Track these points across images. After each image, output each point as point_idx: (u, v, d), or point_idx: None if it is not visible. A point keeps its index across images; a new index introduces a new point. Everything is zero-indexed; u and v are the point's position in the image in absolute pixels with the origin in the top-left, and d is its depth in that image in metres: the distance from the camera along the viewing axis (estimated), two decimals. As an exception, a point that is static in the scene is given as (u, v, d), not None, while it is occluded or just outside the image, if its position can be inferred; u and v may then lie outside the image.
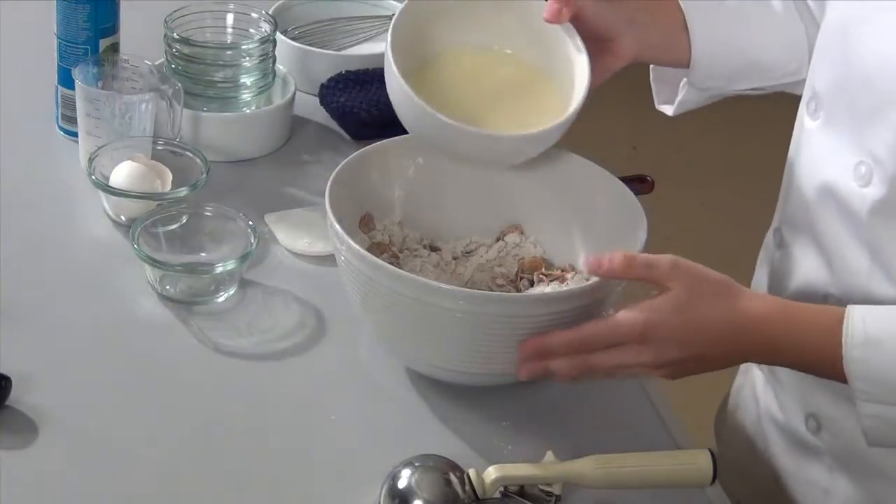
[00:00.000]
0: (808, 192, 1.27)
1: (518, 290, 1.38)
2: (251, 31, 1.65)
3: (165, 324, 1.39)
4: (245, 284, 1.44)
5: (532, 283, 1.38)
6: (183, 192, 1.48)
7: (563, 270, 1.39)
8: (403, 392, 1.33)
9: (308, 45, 1.77)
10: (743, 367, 1.46)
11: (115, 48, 1.61)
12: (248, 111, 1.64)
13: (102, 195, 1.50)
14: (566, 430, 1.30)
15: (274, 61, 1.66)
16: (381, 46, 1.71)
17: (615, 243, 1.29)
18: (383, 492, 1.19)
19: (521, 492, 1.21)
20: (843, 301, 1.21)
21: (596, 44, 1.34)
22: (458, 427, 1.30)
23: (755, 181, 3.48)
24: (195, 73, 1.61)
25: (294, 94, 1.67)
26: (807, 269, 1.28)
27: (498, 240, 1.43)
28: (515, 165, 1.39)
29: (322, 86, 1.71)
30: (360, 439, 1.29)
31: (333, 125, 1.71)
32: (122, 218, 1.50)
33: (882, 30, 1.20)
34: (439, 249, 1.42)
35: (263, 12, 1.66)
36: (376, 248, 1.37)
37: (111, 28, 1.60)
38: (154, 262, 1.40)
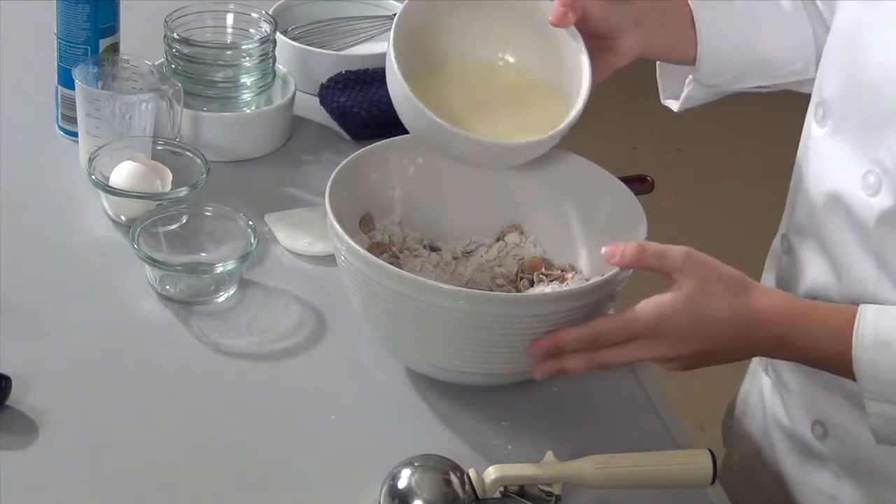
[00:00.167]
0: (815, 200, 1.27)
1: (518, 290, 1.38)
2: (251, 31, 1.65)
3: (165, 324, 1.39)
4: (245, 284, 1.44)
5: (532, 283, 1.38)
6: (183, 192, 1.48)
7: (563, 270, 1.39)
8: (403, 392, 1.33)
9: (308, 45, 1.77)
10: (751, 371, 1.46)
11: (115, 48, 1.61)
12: (248, 111, 1.64)
13: (102, 195, 1.50)
14: (566, 430, 1.30)
15: (274, 61, 1.66)
16: (381, 46, 1.72)
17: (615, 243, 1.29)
18: (383, 492, 1.19)
19: (521, 492, 1.21)
20: None
21: (600, 41, 1.34)
22: (458, 427, 1.30)
23: (755, 181, 3.49)
24: (195, 73, 1.61)
25: (294, 94, 1.67)
26: (814, 275, 1.28)
27: (498, 240, 1.43)
28: (515, 166, 1.39)
29: (322, 86, 1.71)
30: (360, 439, 1.29)
31: (333, 125, 1.71)
32: (122, 218, 1.50)
33: (890, 38, 1.19)
34: (439, 249, 1.42)
35: (263, 12, 1.66)
36: (376, 248, 1.37)
37: (111, 28, 1.60)
38: (154, 262, 1.40)
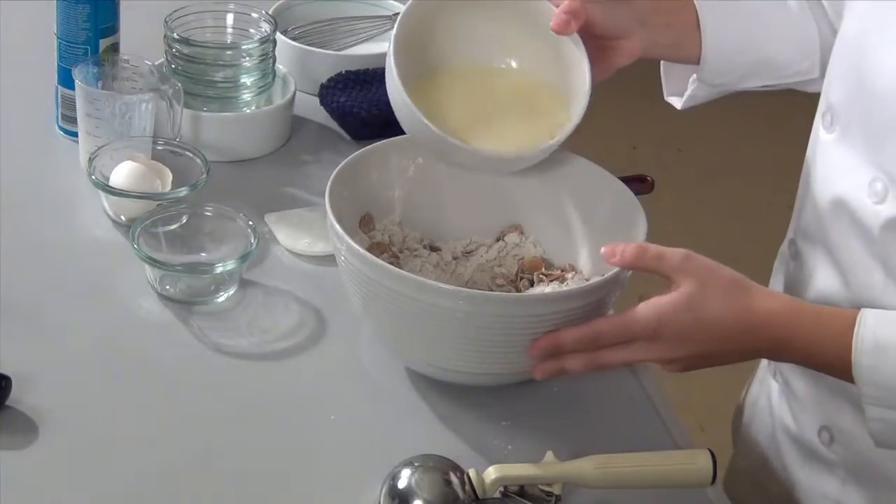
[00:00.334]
0: (821, 205, 1.27)
1: (518, 290, 1.38)
2: (251, 31, 1.65)
3: (165, 324, 1.39)
4: (245, 284, 1.44)
5: (532, 283, 1.38)
6: (183, 192, 1.48)
7: (563, 270, 1.39)
8: (403, 392, 1.33)
9: (308, 45, 1.77)
10: (759, 376, 1.46)
11: (115, 48, 1.61)
12: (248, 111, 1.64)
13: (102, 195, 1.50)
14: (566, 430, 1.31)
15: (274, 61, 1.66)
16: (381, 46, 1.72)
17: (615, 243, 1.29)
18: (383, 492, 1.19)
19: (521, 492, 1.21)
20: None
21: (602, 41, 1.34)
22: (458, 427, 1.30)
23: (755, 181, 3.50)
24: (195, 73, 1.61)
25: (294, 94, 1.67)
26: (821, 281, 1.28)
27: (498, 240, 1.43)
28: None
29: (322, 86, 1.71)
30: (360, 439, 1.29)
31: (333, 125, 1.71)
32: (122, 218, 1.50)
33: None
34: (439, 249, 1.42)
35: (263, 12, 1.66)
36: (376, 248, 1.37)
37: (111, 28, 1.60)
38: (154, 262, 1.40)
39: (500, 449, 1.28)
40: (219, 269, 1.40)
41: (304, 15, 1.83)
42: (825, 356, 1.18)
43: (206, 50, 1.61)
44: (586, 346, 1.22)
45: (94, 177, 1.47)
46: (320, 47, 1.78)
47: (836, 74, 1.28)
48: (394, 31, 1.31)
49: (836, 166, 1.26)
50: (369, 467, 1.22)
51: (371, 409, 1.32)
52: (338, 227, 1.28)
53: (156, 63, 1.60)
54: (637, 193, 1.38)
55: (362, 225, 1.40)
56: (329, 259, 1.43)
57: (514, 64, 1.39)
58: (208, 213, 1.46)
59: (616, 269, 1.24)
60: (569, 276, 1.38)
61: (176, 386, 1.32)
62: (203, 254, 1.46)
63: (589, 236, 1.40)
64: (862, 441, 1.21)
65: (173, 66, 1.61)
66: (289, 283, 1.45)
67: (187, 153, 1.53)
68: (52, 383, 1.29)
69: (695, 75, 1.41)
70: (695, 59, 1.38)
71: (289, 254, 1.49)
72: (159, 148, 1.53)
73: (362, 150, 1.40)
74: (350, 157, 1.38)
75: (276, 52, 1.66)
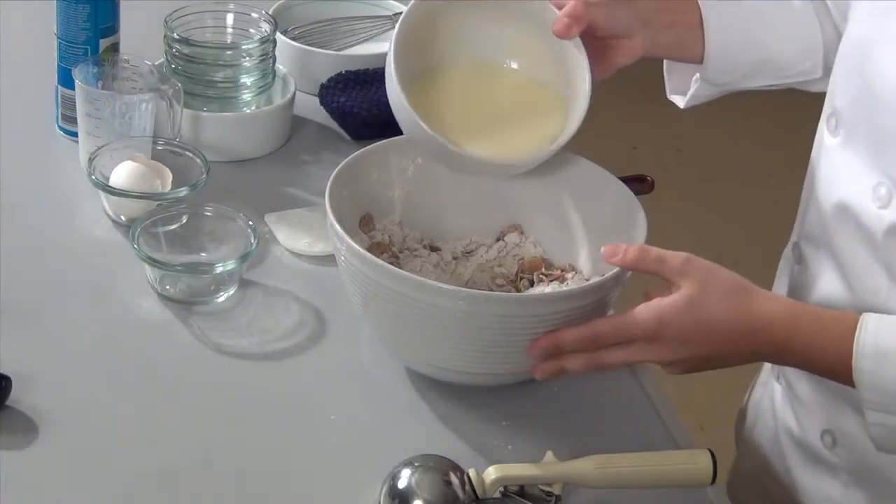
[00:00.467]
0: (825, 209, 1.27)
1: (518, 290, 1.38)
2: (251, 31, 1.65)
3: (165, 324, 1.39)
4: (245, 284, 1.44)
5: (532, 283, 1.38)
6: (183, 192, 1.48)
7: (563, 270, 1.39)
8: (403, 392, 1.33)
9: (308, 45, 1.77)
10: (762, 379, 1.45)
11: (115, 48, 1.61)
12: (248, 111, 1.64)
13: (102, 195, 1.50)
14: (566, 430, 1.31)
15: (274, 61, 1.66)
16: (381, 46, 1.72)
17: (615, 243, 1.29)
18: (383, 492, 1.19)
19: (521, 492, 1.21)
20: None
21: (604, 41, 1.34)
22: (458, 427, 1.30)
23: (755, 181, 3.50)
24: (195, 73, 1.61)
25: (294, 94, 1.67)
26: (825, 284, 1.28)
27: (498, 240, 1.43)
28: (515, 169, 1.39)
29: (322, 86, 1.71)
30: (360, 439, 1.29)
31: (333, 125, 1.71)
32: (122, 218, 1.50)
33: None
34: (439, 249, 1.42)
35: (263, 12, 1.66)
36: (376, 248, 1.37)
37: (111, 28, 1.60)
38: (154, 262, 1.40)
39: (500, 449, 1.28)
40: (219, 269, 1.40)
41: (304, 15, 1.83)
42: (826, 360, 1.18)
43: (206, 50, 1.61)
44: (586, 347, 1.22)
45: (94, 177, 1.47)
46: (320, 47, 1.78)
47: (841, 78, 1.27)
48: (395, 31, 1.31)
49: (840, 170, 1.25)
50: (369, 467, 1.22)
51: (371, 409, 1.32)
52: (338, 227, 1.28)
53: (156, 63, 1.60)
54: (637, 193, 1.38)
55: (362, 225, 1.40)
56: (329, 259, 1.43)
57: (515, 65, 1.39)
58: (208, 213, 1.46)
59: (616, 270, 1.24)
60: (569, 276, 1.38)
61: (176, 386, 1.32)
62: (203, 254, 1.46)
63: (589, 236, 1.39)
64: (864, 445, 1.21)
65: (173, 66, 1.61)
66: (289, 283, 1.45)
67: (187, 153, 1.53)
68: (52, 383, 1.29)
69: (697, 74, 1.41)
70: (698, 59, 1.38)
71: (289, 254, 1.49)
72: (159, 148, 1.53)
73: (362, 150, 1.40)
74: (350, 157, 1.38)
75: (276, 52, 1.66)
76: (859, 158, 1.23)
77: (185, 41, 1.60)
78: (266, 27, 1.64)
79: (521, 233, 1.43)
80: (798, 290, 1.32)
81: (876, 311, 1.19)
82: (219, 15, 1.66)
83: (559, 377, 1.27)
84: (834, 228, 1.25)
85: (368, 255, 1.25)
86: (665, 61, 1.45)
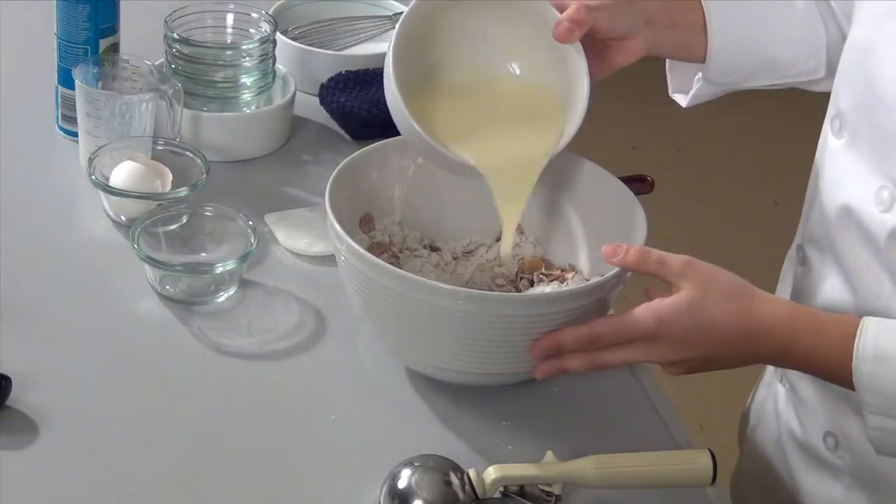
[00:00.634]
0: (829, 212, 1.26)
1: (518, 290, 1.38)
2: (251, 31, 1.66)
3: (165, 324, 1.39)
4: (245, 284, 1.44)
5: (532, 283, 1.38)
6: (183, 192, 1.48)
7: (563, 270, 1.39)
8: (403, 392, 1.33)
9: (308, 45, 1.77)
10: (766, 380, 1.45)
11: (115, 48, 1.61)
12: (248, 111, 1.64)
13: (102, 195, 1.50)
14: (566, 430, 1.31)
15: (274, 61, 1.66)
16: (381, 46, 1.72)
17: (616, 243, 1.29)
18: (383, 492, 1.19)
19: (521, 492, 1.21)
20: None
21: (606, 41, 1.33)
22: (458, 427, 1.30)
23: (755, 181, 3.50)
24: (195, 73, 1.61)
25: (294, 94, 1.67)
26: (829, 287, 1.28)
27: (498, 240, 1.43)
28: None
29: (322, 86, 1.71)
30: (360, 439, 1.29)
31: (333, 125, 1.71)
32: (122, 218, 1.50)
33: None
34: (439, 249, 1.42)
35: (263, 12, 1.66)
36: (376, 248, 1.37)
37: (111, 28, 1.60)
38: (154, 262, 1.40)
39: (500, 449, 1.28)
40: (219, 269, 1.40)
41: (304, 15, 1.83)
42: (826, 363, 1.18)
43: (206, 50, 1.61)
44: (586, 347, 1.22)
45: (94, 177, 1.47)
46: (320, 47, 1.78)
47: (845, 80, 1.27)
48: (395, 31, 1.30)
49: (843, 173, 1.25)
50: (369, 467, 1.22)
51: (371, 409, 1.32)
52: (338, 227, 1.28)
53: (156, 63, 1.60)
54: (637, 193, 1.38)
55: (362, 225, 1.40)
56: (329, 259, 1.43)
57: (514, 67, 1.38)
58: (208, 213, 1.46)
59: (616, 269, 1.24)
60: (569, 276, 1.38)
61: (176, 386, 1.32)
62: (203, 254, 1.46)
63: (589, 236, 1.39)
64: (866, 447, 1.21)
65: (173, 66, 1.61)
66: (289, 283, 1.45)
67: (187, 153, 1.53)
68: (52, 383, 1.29)
69: (700, 74, 1.40)
70: (700, 59, 1.38)
71: (289, 254, 1.49)
72: (159, 148, 1.53)
73: (362, 150, 1.40)
74: (350, 157, 1.38)
75: (276, 52, 1.66)
76: (862, 161, 1.22)
77: (185, 41, 1.60)
78: (266, 27, 1.64)
79: (521, 233, 1.43)
80: (802, 292, 1.32)
81: (879, 315, 1.19)
82: (219, 15, 1.67)
83: (559, 377, 1.27)
84: (837, 231, 1.25)
85: (368, 255, 1.25)
86: (667, 60, 1.44)
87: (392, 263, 1.29)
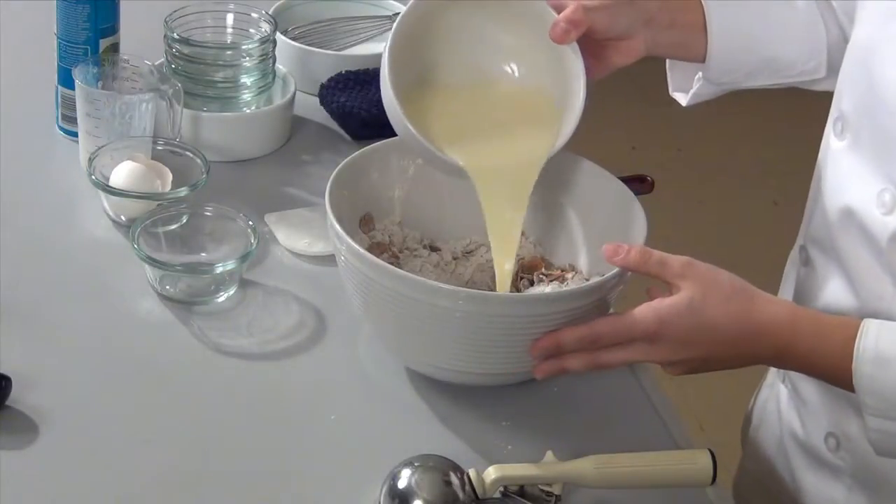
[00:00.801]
0: (831, 213, 1.26)
1: (518, 290, 1.38)
2: (251, 31, 1.66)
3: (165, 324, 1.39)
4: (245, 284, 1.44)
5: (532, 283, 1.38)
6: (183, 192, 1.48)
7: (563, 270, 1.39)
8: (403, 392, 1.33)
9: (308, 45, 1.77)
10: (768, 381, 1.45)
11: (115, 48, 1.61)
12: (248, 111, 1.64)
13: (102, 195, 1.50)
14: (566, 430, 1.31)
15: (274, 61, 1.66)
16: (381, 46, 1.71)
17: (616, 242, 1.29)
18: (383, 492, 1.19)
19: (521, 492, 1.21)
20: None
21: (604, 41, 1.33)
22: (458, 427, 1.30)
23: (755, 181, 3.50)
24: (195, 73, 1.61)
25: (294, 94, 1.67)
26: (832, 289, 1.27)
27: (498, 240, 1.43)
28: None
29: (322, 86, 1.71)
30: (360, 439, 1.29)
31: (333, 125, 1.71)
32: (122, 218, 1.50)
33: None
34: (439, 249, 1.42)
35: (263, 12, 1.66)
36: (376, 248, 1.37)
37: (111, 28, 1.60)
38: (154, 262, 1.40)
39: (500, 449, 1.28)
40: (219, 269, 1.40)
41: (304, 15, 1.83)
42: (826, 365, 1.18)
43: (206, 50, 1.61)
44: (587, 346, 1.22)
45: (94, 177, 1.47)
46: (320, 47, 1.78)
47: (848, 81, 1.27)
48: (392, 32, 1.30)
49: (845, 175, 1.25)
50: (369, 467, 1.22)
51: (371, 409, 1.32)
52: (338, 227, 1.28)
53: (156, 63, 1.60)
54: (637, 193, 1.38)
55: (362, 225, 1.40)
56: (329, 259, 1.43)
57: (510, 68, 1.38)
58: (208, 213, 1.46)
59: (616, 269, 1.24)
60: (569, 276, 1.38)
61: (176, 386, 1.32)
62: (203, 254, 1.46)
63: (589, 236, 1.39)
64: (868, 448, 1.21)
65: (173, 66, 1.61)
66: (289, 283, 1.45)
67: (187, 153, 1.53)
68: (52, 383, 1.29)
69: (700, 73, 1.40)
70: (700, 59, 1.38)
71: (289, 254, 1.49)
72: (159, 148, 1.53)
73: (362, 150, 1.40)
74: (350, 157, 1.38)
75: (276, 52, 1.66)
76: (865, 163, 1.22)
77: (185, 41, 1.60)
78: (266, 27, 1.64)
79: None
80: (804, 293, 1.32)
81: (881, 317, 1.19)
82: (219, 15, 1.67)
83: (559, 377, 1.27)
84: (839, 233, 1.25)
85: (368, 255, 1.26)
86: (668, 60, 1.44)
87: (392, 263, 1.29)
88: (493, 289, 1.37)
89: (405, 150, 1.41)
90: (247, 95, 1.64)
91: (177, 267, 1.42)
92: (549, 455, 1.22)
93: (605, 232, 1.36)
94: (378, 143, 1.41)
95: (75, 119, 1.56)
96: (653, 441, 1.31)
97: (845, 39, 1.33)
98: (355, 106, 1.67)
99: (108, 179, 1.48)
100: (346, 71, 1.71)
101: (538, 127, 1.34)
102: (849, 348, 1.15)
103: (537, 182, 1.40)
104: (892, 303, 1.21)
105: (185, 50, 1.60)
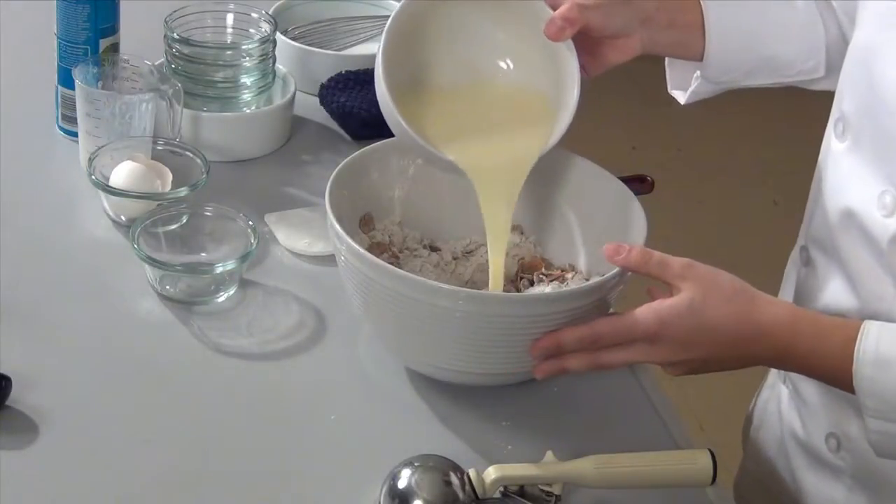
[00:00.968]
0: (831, 214, 1.26)
1: (518, 290, 1.38)
2: (251, 31, 1.66)
3: (165, 324, 1.39)
4: (245, 284, 1.44)
5: (532, 283, 1.38)
6: (183, 192, 1.48)
7: (563, 270, 1.39)
8: (403, 392, 1.33)
9: (308, 45, 1.77)
10: (769, 381, 1.45)
11: (115, 48, 1.61)
12: (248, 111, 1.64)
13: (102, 195, 1.50)
14: (566, 430, 1.31)
15: (274, 61, 1.66)
16: (381, 46, 1.72)
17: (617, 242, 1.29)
18: (383, 492, 1.19)
19: (521, 492, 1.21)
20: None
21: (600, 39, 1.33)
22: (458, 427, 1.30)
23: (755, 181, 3.49)
24: (195, 73, 1.61)
25: (294, 94, 1.67)
26: (833, 290, 1.27)
27: (498, 240, 1.43)
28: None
29: (322, 86, 1.71)
30: (360, 439, 1.29)
31: (333, 125, 1.71)
32: (122, 218, 1.50)
33: None
34: (439, 249, 1.42)
35: (263, 12, 1.66)
36: (376, 248, 1.37)
37: (111, 28, 1.60)
38: (154, 262, 1.40)
39: (500, 449, 1.28)
40: (219, 269, 1.40)
41: (304, 15, 1.83)
42: (826, 366, 1.18)
43: (206, 50, 1.61)
44: (587, 347, 1.22)
45: (94, 177, 1.47)
46: (320, 47, 1.78)
47: (849, 82, 1.26)
48: (385, 30, 1.30)
49: (846, 176, 1.25)
50: (369, 467, 1.22)
51: (371, 409, 1.32)
52: (338, 227, 1.28)
53: (156, 63, 1.60)
54: (637, 193, 1.38)
55: (362, 225, 1.40)
56: (329, 259, 1.43)
57: (505, 66, 1.38)
58: (208, 213, 1.46)
59: (616, 269, 1.25)
60: (569, 276, 1.38)
61: (176, 386, 1.32)
62: (203, 254, 1.46)
63: (589, 236, 1.39)
64: (868, 448, 1.21)
65: (173, 66, 1.61)
66: (289, 283, 1.45)
67: (187, 153, 1.53)
68: (52, 383, 1.29)
69: (698, 72, 1.40)
70: (698, 58, 1.38)
71: (289, 254, 1.49)
72: (159, 148, 1.53)
73: (362, 150, 1.40)
74: (350, 157, 1.38)
75: (276, 52, 1.66)
76: (865, 165, 1.22)
77: (185, 41, 1.60)
78: (266, 27, 1.64)
79: (521, 233, 1.43)
80: (805, 293, 1.32)
81: (882, 318, 1.19)
82: (219, 15, 1.67)
83: (559, 377, 1.27)
84: (840, 234, 1.25)
85: (368, 255, 1.26)
86: (666, 58, 1.44)
87: (392, 263, 1.29)
88: (493, 289, 1.37)
89: (405, 150, 1.41)
90: (247, 95, 1.64)
91: (177, 267, 1.42)
92: (549, 455, 1.22)
93: (605, 232, 1.36)
94: (378, 143, 1.41)
95: (75, 119, 1.56)
96: (653, 441, 1.31)
97: (844, 39, 1.33)
98: (355, 106, 1.67)
99: (108, 179, 1.48)
100: (346, 71, 1.71)
101: (532, 125, 1.34)
102: (849, 350, 1.15)
103: (538, 182, 1.40)
104: (893, 304, 1.21)
105: (185, 50, 1.60)
